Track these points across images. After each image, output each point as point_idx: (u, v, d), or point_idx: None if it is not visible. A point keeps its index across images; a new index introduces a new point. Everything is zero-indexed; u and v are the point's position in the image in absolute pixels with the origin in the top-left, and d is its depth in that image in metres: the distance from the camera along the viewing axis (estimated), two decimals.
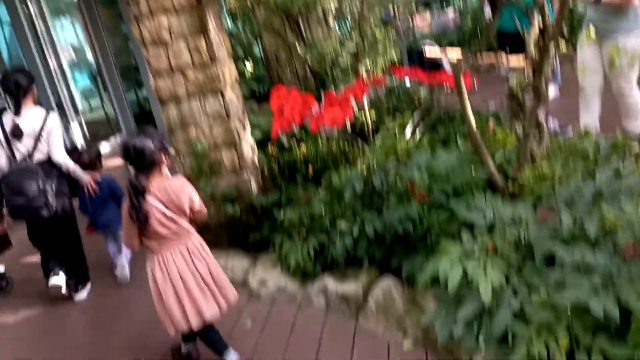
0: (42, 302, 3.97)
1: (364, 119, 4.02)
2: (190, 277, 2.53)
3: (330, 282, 3.07)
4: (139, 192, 2.34)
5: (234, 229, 3.86)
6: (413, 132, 4.21)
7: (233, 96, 3.72)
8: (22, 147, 3.53)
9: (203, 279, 2.58)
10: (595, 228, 1.99)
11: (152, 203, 2.39)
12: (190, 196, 2.57)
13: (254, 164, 3.93)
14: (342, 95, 3.30)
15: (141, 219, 2.35)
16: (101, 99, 9.50)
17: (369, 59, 3.75)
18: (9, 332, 3.71)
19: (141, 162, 2.36)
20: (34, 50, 7.30)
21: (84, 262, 4.02)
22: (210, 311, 2.55)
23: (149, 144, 2.36)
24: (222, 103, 3.61)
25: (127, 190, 2.39)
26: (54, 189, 3.57)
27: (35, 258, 4.12)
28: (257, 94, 7.38)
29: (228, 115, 3.63)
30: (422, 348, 2.58)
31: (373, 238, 2.94)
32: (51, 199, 3.52)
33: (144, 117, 9.46)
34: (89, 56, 9.32)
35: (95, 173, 3.95)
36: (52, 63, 7.83)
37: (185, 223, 2.58)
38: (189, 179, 3.80)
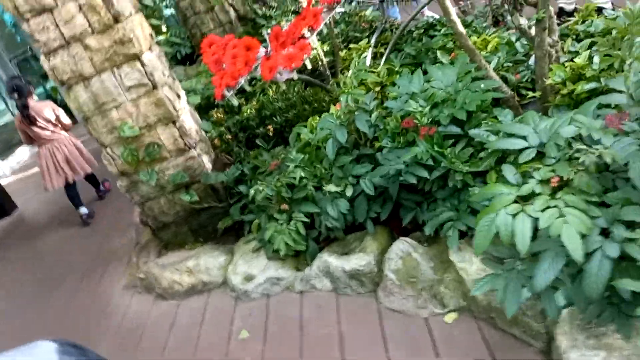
0: None
1: (317, 55, 3.34)
2: (61, 156, 4.44)
3: (332, 260, 2.47)
4: (24, 107, 4.20)
5: (196, 220, 3.18)
6: (374, 57, 3.57)
7: (154, 58, 2.95)
8: None
9: (67, 157, 4.46)
10: None
11: (32, 114, 4.24)
12: (53, 110, 4.39)
13: (201, 137, 3.21)
14: (292, 29, 2.62)
15: (30, 121, 4.24)
16: (5, 102, 8.30)
17: None
18: None
19: (21, 93, 4.19)
20: None
21: None
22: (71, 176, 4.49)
23: (21, 83, 4.27)
24: (142, 70, 2.84)
25: (18, 108, 4.25)
26: None
27: None
28: (178, 57, 6.48)
29: (154, 84, 2.88)
30: (471, 318, 2.06)
31: (373, 194, 2.35)
32: None
33: None
34: None
35: None
36: None
37: (55, 128, 4.43)
38: (125, 173, 3.07)
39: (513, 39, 2.97)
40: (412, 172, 2.05)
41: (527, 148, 1.72)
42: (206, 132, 3.38)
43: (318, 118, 2.92)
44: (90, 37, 2.75)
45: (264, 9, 4.25)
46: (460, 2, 4.24)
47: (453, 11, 2.37)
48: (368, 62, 3.52)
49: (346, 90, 2.48)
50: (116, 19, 2.74)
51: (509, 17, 3.70)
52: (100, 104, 2.88)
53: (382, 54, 3.74)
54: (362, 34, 4.05)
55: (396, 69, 3.06)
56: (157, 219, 3.16)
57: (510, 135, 1.80)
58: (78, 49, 2.77)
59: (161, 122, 2.95)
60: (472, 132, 1.91)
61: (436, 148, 2.01)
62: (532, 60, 2.60)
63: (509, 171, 1.70)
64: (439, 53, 2.82)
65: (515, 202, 1.57)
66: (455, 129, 2.04)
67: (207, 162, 3.13)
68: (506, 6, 3.60)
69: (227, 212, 3.12)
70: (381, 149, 2.40)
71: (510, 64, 2.68)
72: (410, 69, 2.58)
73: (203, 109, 3.83)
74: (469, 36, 3.24)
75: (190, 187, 3.09)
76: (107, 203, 4.98)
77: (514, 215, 1.51)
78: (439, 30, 3.62)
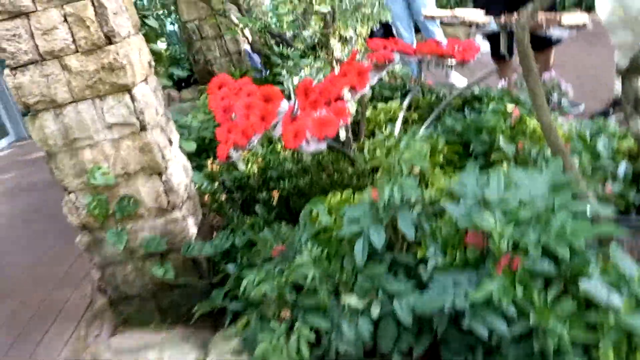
0: None
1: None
2: None
3: None
4: None
5: (168, 296, 2.55)
6: (405, 123, 3.05)
7: (148, 92, 2.37)
8: None
9: None
10: None
11: None
12: None
13: (190, 193, 2.61)
14: (327, 85, 2.07)
15: None
16: None
17: (349, 25, 2.51)
18: None
19: None
20: None
21: None
22: None
23: None
24: (130, 106, 2.25)
25: None
26: None
27: None
28: (174, 80, 5.92)
29: (143, 125, 2.29)
30: None
31: (409, 324, 1.76)
32: None
33: None
34: None
35: None
36: None
37: None
38: (87, 226, 2.44)
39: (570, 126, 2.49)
40: (482, 318, 1.48)
41: None
42: (196, 184, 2.77)
43: (339, 194, 2.35)
44: (72, 56, 2.17)
45: (281, 45, 3.72)
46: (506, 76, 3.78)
47: (542, 97, 1.85)
48: (397, 129, 3.00)
49: (391, 177, 1.92)
50: (109, 39, 2.16)
51: (565, 102, 3.24)
52: (72, 140, 2.28)
53: (414, 121, 3.23)
54: (392, 92, 3.55)
55: (439, 148, 2.53)
56: (118, 288, 2.52)
57: None
58: (54, 68, 2.18)
59: (144, 172, 2.35)
60: (585, 285, 1.35)
61: (519, 289, 1.45)
62: (622, 169, 2.09)
63: None
64: (502, 140, 2.29)
65: None
66: (548, 267, 1.47)
67: (191, 226, 2.52)
68: (568, 92, 3.14)
69: (207, 291, 2.49)
70: (425, 260, 1.83)
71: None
72: (473, 164, 2.03)
73: (194, 153, 3.25)
74: (525, 120, 2.76)
75: (166, 256, 2.47)
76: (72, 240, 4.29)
77: None
78: (483, 102, 3.14)
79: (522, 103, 3.04)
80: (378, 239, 1.83)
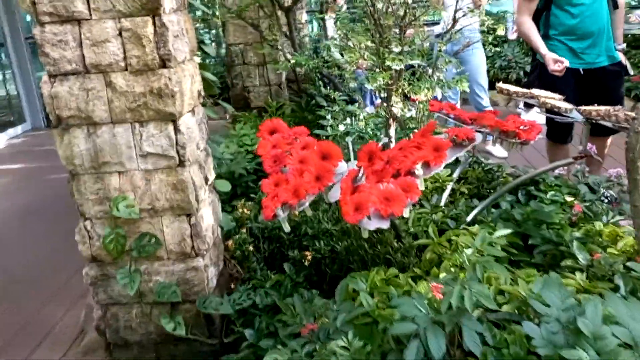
0: None
1: None
2: None
3: None
4: None
5: (170, 351, 2.27)
6: (451, 194, 2.81)
7: (193, 125, 2.14)
8: None
9: None
10: None
11: None
12: None
13: (216, 240, 2.36)
14: (397, 155, 1.83)
15: None
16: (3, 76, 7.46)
17: (422, 88, 2.29)
18: None
19: None
20: None
21: None
22: None
23: None
24: (172, 137, 2.02)
25: None
26: None
27: None
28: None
29: (181, 160, 2.05)
30: None
31: None
32: None
33: None
34: None
35: None
36: None
37: None
38: (97, 259, 2.18)
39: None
40: None
41: None
42: (222, 228, 2.52)
43: (383, 273, 2.10)
44: (119, 74, 1.95)
45: (328, 87, 3.52)
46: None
47: None
48: (444, 200, 2.76)
49: (458, 277, 1.66)
50: (163, 62, 1.95)
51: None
52: (100, 163, 2.04)
53: (462, 193, 2.99)
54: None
55: (493, 239, 2.26)
56: (118, 332, 2.25)
57: None
58: (97, 83, 1.96)
59: (172, 211, 2.10)
60: None
61: None
62: None
63: None
64: (575, 247, 2.03)
65: None
66: None
67: (212, 277, 2.26)
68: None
69: (215, 352, 2.22)
70: None
71: None
72: (556, 278, 1.76)
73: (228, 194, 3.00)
74: (583, 221, 2.52)
75: (177, 305, 2.20)
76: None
77: None
78: (540, 188, 2.89)
79: (580, 195, 2.81)
80: (437, 347, 1.55)
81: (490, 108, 5.15)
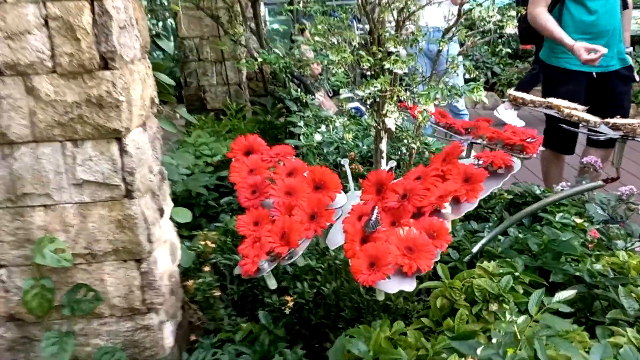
0: None
1: None
2: None
3: None
4: None
5: None
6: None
7: (145, 143, 1.66)
8: None
9: None
10: None
11: None
12: None
13: (173, 286, 1.87)
14: (416, 188, 1.41)
15: None
16: None
17: (430, 98, 1.90)
18: None
19: None
20: None
21: None
22: None
23: None
24: (117, 160, 1.54)
25: None
26: None
27: None
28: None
29: (130, 189, 1.57)
30: None
31: None
32: None
33: None
34: None
35: None
36: None
37: None
38: (17, 318, 1.66)
39: None
40: None
41: None
42: (179, 267, 2.04)
43: (388, 328, 1.69)
44: (44, 77, 1.45)
45: (299, 90, 3.09)
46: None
47: None
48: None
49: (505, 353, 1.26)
50: (106, 62, 1.46)
51: None
52: (20, 195, 1.53)
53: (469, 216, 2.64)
54: None
55: (554, 304, 1.86)
56: None
57: None
58: (14, 89, 1.45)
59: (117, 255, 1.62)
60: None
61: None
62: None
63: None
64: (622, 294, 1.66)
65: None
66: None
67: (168, 337, 1.78)
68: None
69: None
70: None
71: None
72: (602, 347, 1.39)
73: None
74: (599, 247, 2.22)
75: None
76: None
77: None
78: (545, 209, 2.57)
79: (589, 216, 2.50)
80: None
81: (466, 111, 4.87)
